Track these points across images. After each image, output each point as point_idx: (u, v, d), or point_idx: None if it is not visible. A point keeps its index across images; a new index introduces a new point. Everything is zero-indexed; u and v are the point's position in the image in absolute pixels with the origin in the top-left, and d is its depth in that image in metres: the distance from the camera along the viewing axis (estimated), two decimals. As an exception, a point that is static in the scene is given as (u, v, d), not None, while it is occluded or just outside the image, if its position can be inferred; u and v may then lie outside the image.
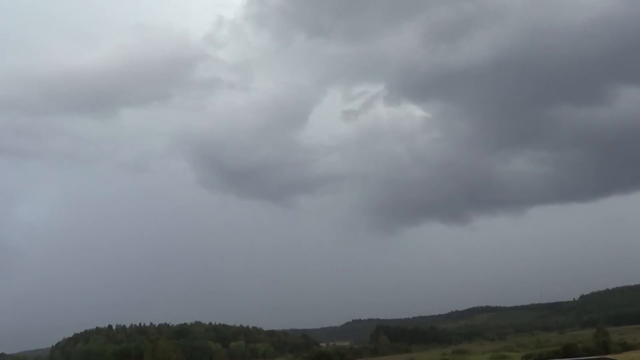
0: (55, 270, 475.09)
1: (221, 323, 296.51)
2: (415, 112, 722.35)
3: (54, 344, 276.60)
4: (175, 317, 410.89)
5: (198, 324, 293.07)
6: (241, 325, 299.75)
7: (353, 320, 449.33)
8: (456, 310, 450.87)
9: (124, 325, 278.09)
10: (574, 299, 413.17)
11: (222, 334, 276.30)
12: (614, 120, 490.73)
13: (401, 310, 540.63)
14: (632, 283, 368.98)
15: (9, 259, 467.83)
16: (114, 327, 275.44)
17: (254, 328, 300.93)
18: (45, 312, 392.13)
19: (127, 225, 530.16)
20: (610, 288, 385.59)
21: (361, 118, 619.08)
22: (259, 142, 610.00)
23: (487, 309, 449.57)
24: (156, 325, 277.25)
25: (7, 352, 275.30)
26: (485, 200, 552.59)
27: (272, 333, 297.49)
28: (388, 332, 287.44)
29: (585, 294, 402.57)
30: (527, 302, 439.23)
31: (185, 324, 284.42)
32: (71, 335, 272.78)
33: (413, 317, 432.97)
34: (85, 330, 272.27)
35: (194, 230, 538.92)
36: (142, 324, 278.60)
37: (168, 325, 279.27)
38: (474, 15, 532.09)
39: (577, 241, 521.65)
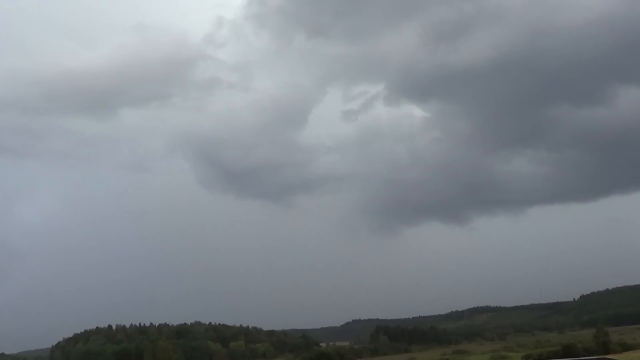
0: (55, 270, 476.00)
1: (221, 323, 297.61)
2: (415, 112, 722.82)
3: (54, 344, 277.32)
4: (175, 317, 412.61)
5: (198, 324, 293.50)
6: (241, 325, 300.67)
7: (353, 320, 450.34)
8: (456, 310, 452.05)
9: (124, 325, 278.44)
10: (574, 299, 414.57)
11: (222, 334, 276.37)
12: (614, 120, 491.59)
13: (401, 310, 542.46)
14: (632, 283, 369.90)
15: (8, 259, 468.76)
16: (113, 327, 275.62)
17: (254, 328, 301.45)
18: (45, 312, 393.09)
19: (127, 225, 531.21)
20: (610, 288, 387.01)
21: (361, 118, 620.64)
22: (258, 142, 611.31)
23: (487, 309, 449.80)
24: (156, 325, 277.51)
25: (7, 352, 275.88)
26: (485, 200, 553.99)
27: (272, 333, 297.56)
28: (388, 332, 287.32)
29: (585, 294, 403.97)
30: (527, 302, 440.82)
31: (185, 324, 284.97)
32: (71, 335, 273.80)
33: (413, 317, 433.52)
34: (85, 330, 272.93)
35: (193, 230, 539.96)
36: (142, 324, 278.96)
37: (168, 325, 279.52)
38: (474, 16, 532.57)
39: (577, 241, 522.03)
